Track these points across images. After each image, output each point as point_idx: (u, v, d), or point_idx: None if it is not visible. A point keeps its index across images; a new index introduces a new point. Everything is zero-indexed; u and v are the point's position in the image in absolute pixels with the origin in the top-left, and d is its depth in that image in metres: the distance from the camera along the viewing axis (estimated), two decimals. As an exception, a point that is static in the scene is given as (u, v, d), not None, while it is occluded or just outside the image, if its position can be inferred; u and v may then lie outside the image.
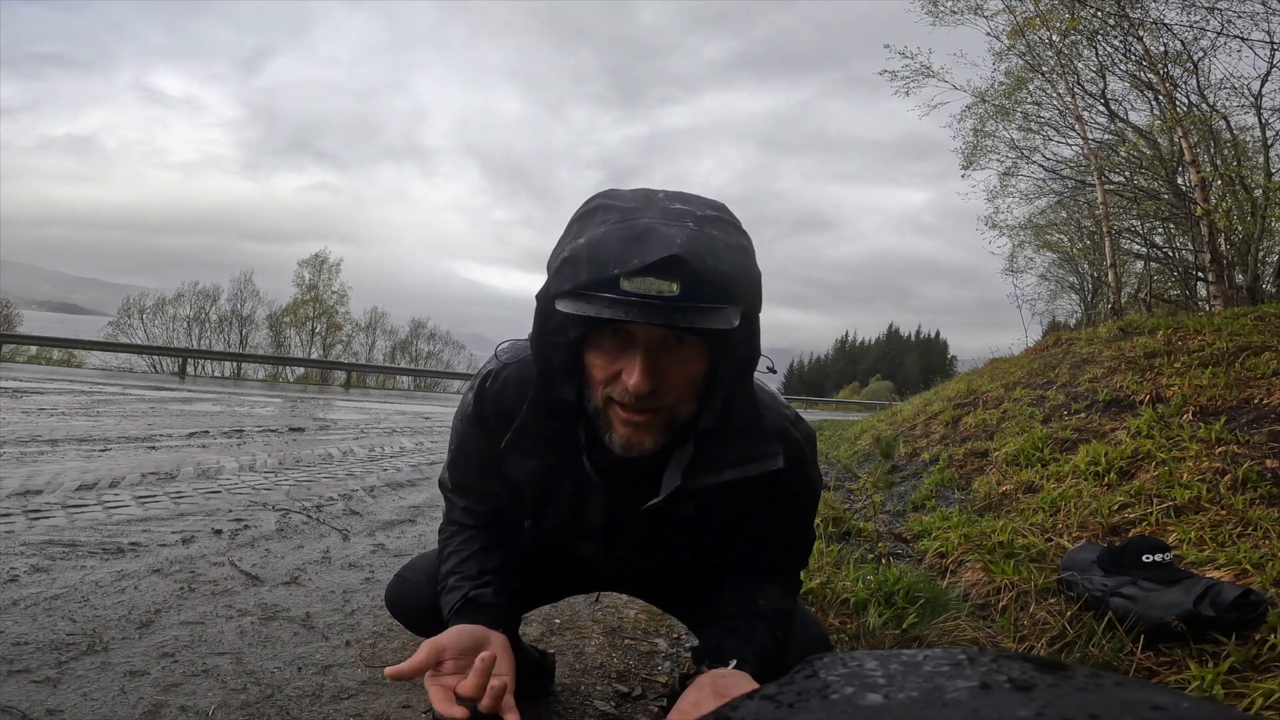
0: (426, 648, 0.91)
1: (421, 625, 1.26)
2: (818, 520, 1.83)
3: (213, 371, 24.49)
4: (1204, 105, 8.96)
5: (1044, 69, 10.41)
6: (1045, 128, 11.88)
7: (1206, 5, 8.14)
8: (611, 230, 0.81)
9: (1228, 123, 9.12)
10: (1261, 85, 8.31)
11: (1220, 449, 2.96)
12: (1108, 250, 10.43)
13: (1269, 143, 8.67)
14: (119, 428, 5.48)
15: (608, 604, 2.25)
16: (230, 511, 3.06)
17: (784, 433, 1.05)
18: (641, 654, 1.90)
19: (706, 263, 0.79)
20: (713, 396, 0.94)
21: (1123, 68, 9.65)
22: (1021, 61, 10.64)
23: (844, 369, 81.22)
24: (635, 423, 0.90)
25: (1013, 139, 12.27)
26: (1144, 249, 12.52)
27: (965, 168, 12.42)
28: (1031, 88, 11.10)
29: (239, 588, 2.11)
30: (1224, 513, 2.46)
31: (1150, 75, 9.15)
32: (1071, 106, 10.45)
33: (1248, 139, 9.42)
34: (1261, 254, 8.84)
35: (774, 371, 1.01)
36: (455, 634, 0.96)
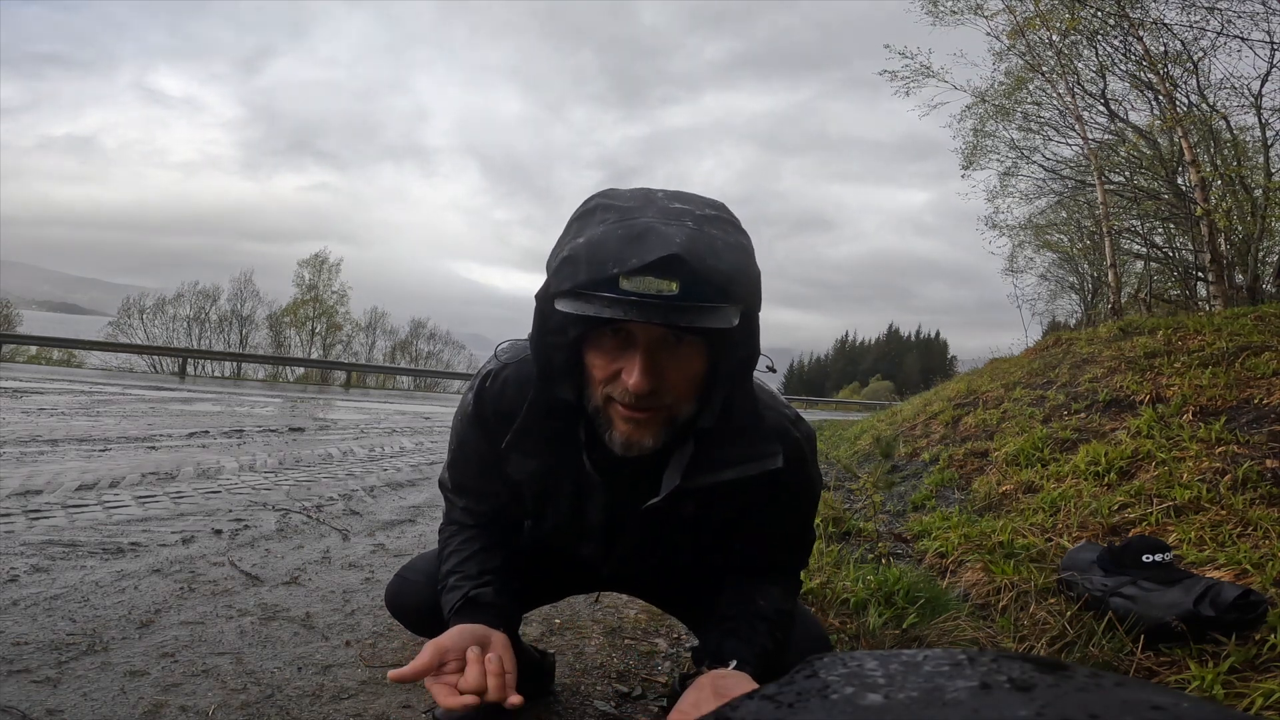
0: (429, 649, 0.91)
1: (421, 625, 1.26)
2: (818, 520, 1.83)
3: (213, 371, 24.49)
4: (1204, 105, 8.96)
5: (1044, 69, 10.41)
6: (1045, 128, 11.89)
7: (1206, 5, 8.14)
8: (611, 230, 0.81)
9: (1228, 123, 9.13)
10: (1261, 85, 8.32)
11: (1220, 449, 2.96)
12: (1108, 250, 10.43)
13: (1269, 143, 8.67)
14: (119, 428, 5.48)
15: (608, 604, 2.25)
16: (230, 511, 3.06)
17: (784, 432, 1.05)
18: (641, 654, 1.90)
19: (706, 262, 0.79)
20: (712, 396, 0.94)
21: (1123, 68, 9.66)
22: (1021, 61, 10.65)
23: (844, 369, 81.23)
24: (635, 420, 0.90)
25: (1013, 139, 12.29)
26: (1144, 249, 12.52)
27: (965, 168, 12.43)
28: (1031, 88, 11.10)
29: (239, 588, 2.11)
30: (1224, 513, 2.46)
31: (1150, 75, 9.15)
32: (1071, 106, 10.45)
33: (1248, 139, 9.43)
34: (1261, 254, 8.84)
35: (773, 370, 1.01)
36: (456, 634, 0.96)
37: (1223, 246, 9.05)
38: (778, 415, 1.06)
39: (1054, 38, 9.94)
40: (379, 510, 3.42)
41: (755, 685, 0.94)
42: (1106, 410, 4.05)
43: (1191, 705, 0.30)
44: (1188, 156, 9.03)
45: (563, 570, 1.30)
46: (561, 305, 0.82)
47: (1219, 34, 8.23)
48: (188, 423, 6.28)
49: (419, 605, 1.23)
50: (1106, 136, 10.79)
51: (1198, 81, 8.87)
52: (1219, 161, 9.49)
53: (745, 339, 0.90)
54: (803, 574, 1.27)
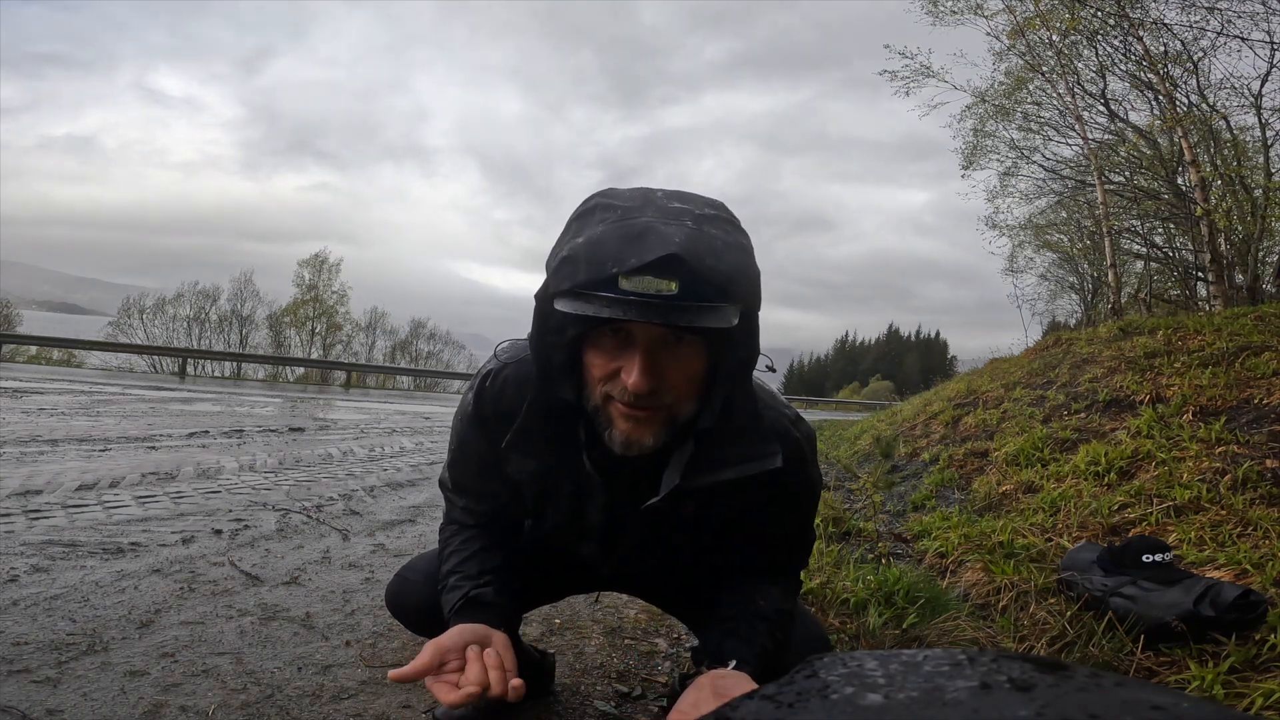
0: (429, 649, 0.91)
1: (422, 625, 1.26)
2: (818, 520, 1.83)
3: (213, 371, 24.49)
4: (1204, 105, 8.96)
5: (1044, 69, 10.41)
6: (1045, 128, 11.89)
7: (1206, 5, 8.14)
8: (610, 229, 0.81)
9: (1228, 123, 9.13)
10: (1261, 85, 8.32)
11: (1220, 449, 2.96)
12: (1108, 250, 10.43)
13: (1269, 143, 8.67)
14: (119, 428, 5.48)
15: (608, 604, 2.25)
16: (230, 511, 3.06)
17: (784, 432, 1.05)
18: (641, 654, 1.90)
19: (705, 261, 0.78)
20: (712, 395, 0.94)
21: (1123, 68, 9.66)
22: (1021, 61, 10.65)
23: (844, 369, 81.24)
24: (635, 418, 0.90)
25: (1013, 139, 12.28)
26: (1144, 249, 12.52)
27: (965, 168, 12.43)
28: (1031, 88, 11.10)
29: (239, 588, 2.11)
30: (1224, 513, 2.46)
31: (1150, 75, 9.15)
32: (1071, 106, 10.45)
33: (1248, 139, 9.43)
34: (1261, 254, 8.84)
35: (773, 370, 1.01)
36: (457, 634, 0.96)
37: (1223, 246, 9.05)
38: (777, 415, 1.06)
39: (1054, 38, 9.94)
40: (379, 510, 3.42)
41: (754, 685, 0.94)
42: (1106, 410, 4.05)
43: (1191, 705, 0.30)
44: (1188, 156, 9.03)
45: (563, 570, 1.30)
46: (561, 305, 0.82)
47: (1219, 34, 8.24)
48: (188, 423, 6.28)
49: (419, 605, 1.23)
50: (1106, 136, 10.80)
51: (1198, 81, 8.88)
52: (1219, 161, 9.49)
53: (745, 338, 0.90)
54: (803, 574, 1.27)
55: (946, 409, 5.92)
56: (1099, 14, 9.19)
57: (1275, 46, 7.92)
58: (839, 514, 3.69)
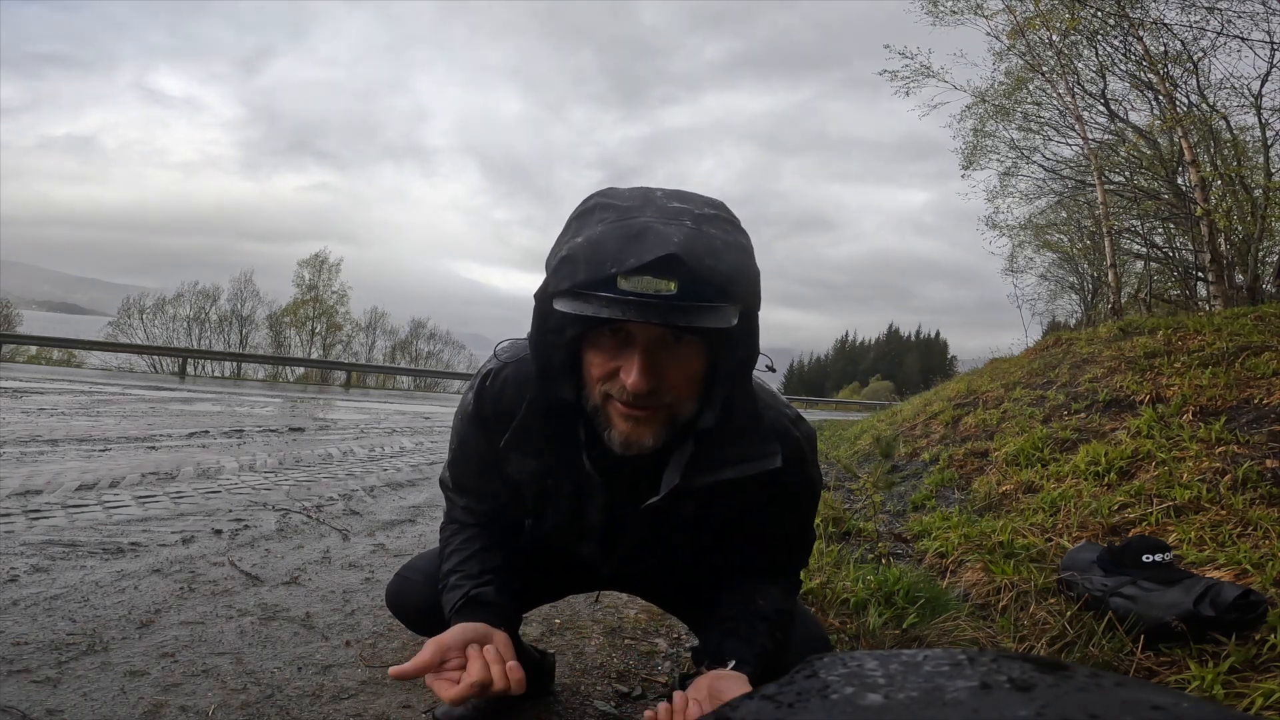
0: (430, 646, 0.91)
1: (422, 624, 1.26)
2: (818, 520, 1.83)
3: (213, 371, 24.49)
4: (1204, 105, 8.96)
5: (1044, 69, 10.41)
6: (1045, 128, 11.89)
7: (1206, 5, 8.14)
8: (609, 229, 0.81)
9: (1228, 123, 9.12)
10: (1261, 85, 8.32)
11: (1220, 449, 2.95)
12: (1108, 250, 10.43)
13: (1269, 143, 8.67)
14: (119, 428, 5.48)
15: (608, 604, 2.25)
16: (230, 511, 3.06)
17: (784, 432, 1.05)
18: (641, 654, 1.90)
19: (704, 261, 0.78)
20: (712, 395, 0.94)
21: (1123, 68, 9.66)
22: (1021, 61, 10.64)
23: (844, 369, 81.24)
24: (635, 418, 0.90)
25: (1013, 139, 12.28)
26: (1144, 249, 12.52)
27: (965, 168, 12.43)
28: (1031, 88, 11.10)
29: (239, 588, 2.11)
30: (1224, 513, 2.46)
31: (1150, 75, 9.14)
32: (1071, 106, 10.45)
33: (1248, 139, 9.43)
34: (1261, 254, 8.83)
35: (773, 370, 1.01)
36: (458, 632, 0.96)
37: (1223, 246, 9.05)
38: (777, 415, 1.06)
39: (1054, 38, 9.94)
40: (379, 510, 3.42)
41: (751, 685, 0.94)
42: (1106, 410, 4.05)
43: (1191, 705, 0.30)
44: (1188, 156, 9.03)
45: (563, 570, 1.30)
46: (560, 305, 0.82)
47: (1219, 34, 8.24)
48: (188, 423, 6.28)
49: (420, 604, 1.24)
50: (1106, 136, 10.80)
51: (1198, 81, 8.88)
52: (1219, 161, 9.49)
53: (744, 338, 0.90)
54: (803, 574, 1.27)
55: (946, 409, 5.92)
56: (1099, 14, 9.19)
57: (1275, 46, 7.92)
58: (839, 514, 3.69)
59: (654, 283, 0.78)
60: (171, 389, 11.47)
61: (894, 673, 0.36)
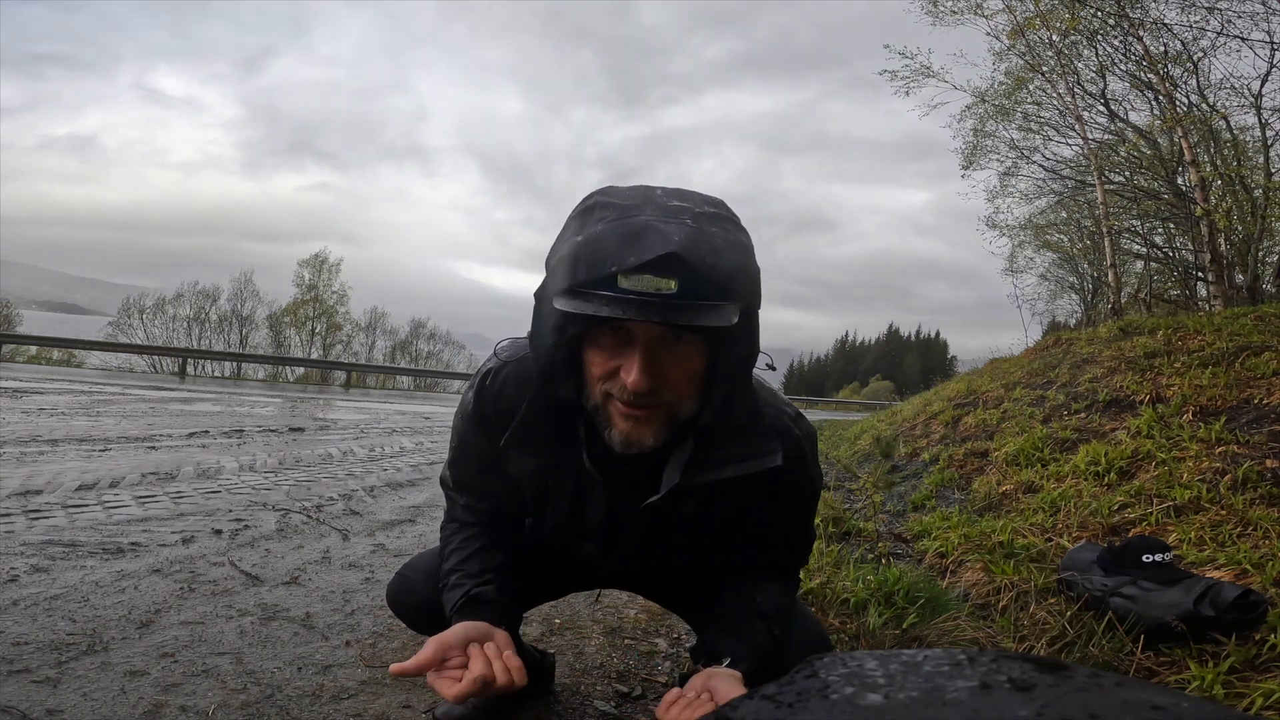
0: (432, 645, 0.91)
1: (423, 623, 1.26)
2: (818, 520, 1.83)
3: (213, 371, 24.50)
4: (1204, 105, 8.96)
5: (1044, 69, 10.41)
6: (1045, 128, 11.89)
7: (1206, 5, 8.14)
8: (609, 228, 0.81)
9: (1228, 123, 9.13)
10: (1261, 85, 8.32)
11: (1220, 449, 2.95)
12: (1108, 250, 10.43)
13: (1269, 143, 8.67)
14: (119, 428, 5.48)
15: (608, 604, 2.25)
16: (230, 511, 3.06)
17: (784, 430, 1.05)
18: (641, 654, 1.90)
19: (705, 260, 0.78)
20: (712, 394, 0.94)
21: (1123, 68, 9.66)
22: (1021, 61, 10.64)
23: (844, 369, 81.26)
24: (635, 417, 0.90)
25: (1013, 139, 12.29)
26: (1144, 249, 12.52)
27: (965, 168, 12.43)
28: (1031, 88, 11.10)
29: (239, 588, 2.11)
30: (1224, 513, 2.46)
31: (1150, 75, 9.14)
32: (1071, 106, 10.45)
33: (1248, 139, 9.43)
34: (1261, 254, 8.83)
35: (773, 369, 1.01)
36: (459, 631, 0.96)
37: (1223, 246, 9.05)
38: (778, 413, 1.06)
39: (1054, 38, 9.94)
40: (379, 510, 3.42)
41: (746, 681, 0.95)
42: (1106, 410, 4.05)
43: (1191, 705, 0.30)
44: (1188, 156, 9.03)
45: (563, 568, 1.30)
46: (560, 304, 0.82)
47: (1219, 34, 8.24)
48: (188, 423, 6.28)
49: (420, 603, 1.24)
50: (1106, 136, 10.80)
51: (1198, 81, 8.88)
52: (1219, 161, 9.49)
53: (745, 337, 0.90)
54: (803, 574, 1.27)
55: (946, 409, 5.92)
56: (1099, 14, 9.19)
57: (1275, 46, 7.92)
58: (839, 514, 3.69)
59: (654, 281, 0.78)
60: (171, 389, 11.47)
61: (894, 673, 0.36)
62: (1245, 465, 2.70)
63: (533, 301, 0.92)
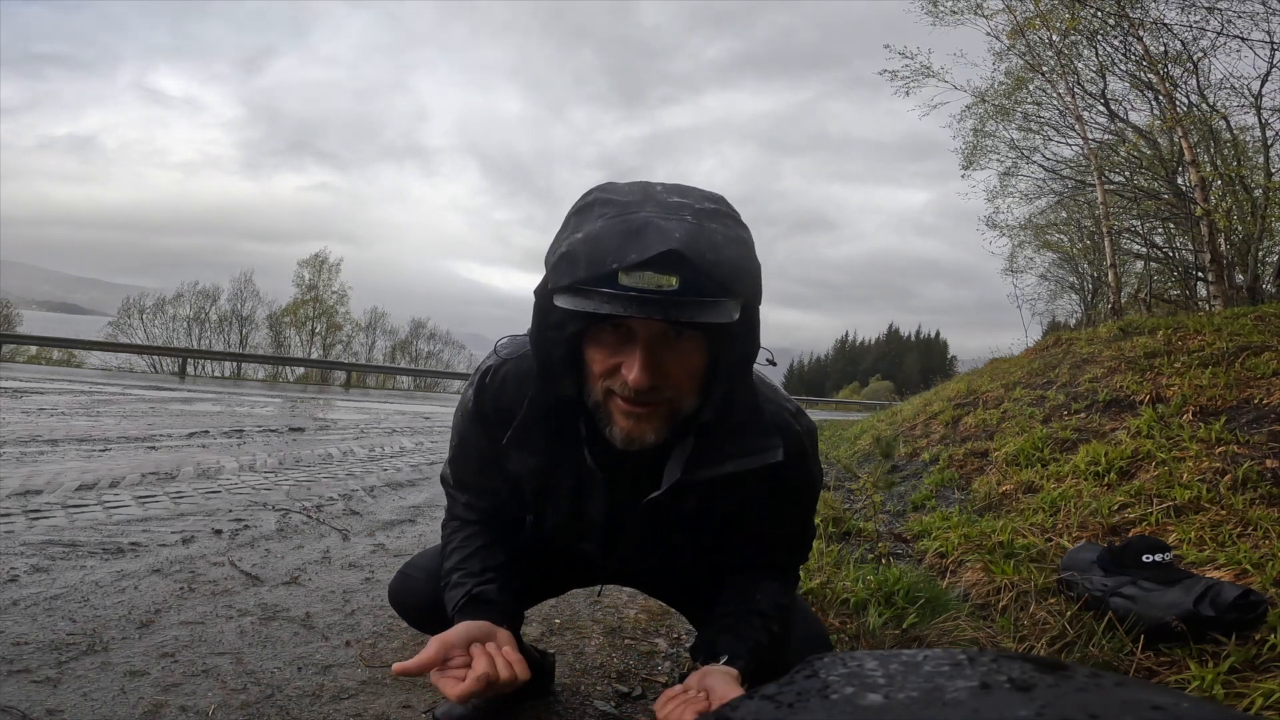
0: (435, 644, 0.91)
1: (425, 621, 1.26)
2: (818, 520, 1.83)
3: (213, 371, 24.50)
4: (1204, 105, 8.96)
5: (1044, 69, 10.41)
6: (1045, 128, 11.89)
7: (1206, 5, 8.14)
8: (609, 225, 0.80)
9: (1228, 123, 9.13)
10: (1261, 85, 8.32)
11: (1220, 449, 2.95)
12: (1108, 250, 10.43)
13: (1269, 143, 8.67)
14: (119, 428, 5.48)
15: (608, 604, 2.25)
16: (230, 511, 3.06)
17: (784, 426, 1.05)
18: (641, 654, 1.90)
19: (706, 257, 0.78)
20: (713, 390, 0.94)
21: (1123, 68, 9.66)
22: (1021, 61, 10.64)
23: (844, 369, 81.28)
24: (636, 414, 0.90)
25: (1013, 139, 12.29)
26: (1144, 249, 12.52)
27: (965, 168, 12.43)
28: (1031, 88, 11.10)
29: (239, 588, 2.11)
30: (1224, 513, 2.46)
31: (1150, 75, 9.14)
32: (1071, 106, 10.45)
33: (1248, 139, 9.43)
34: (1261, 254, 8.83)
35: (774, 364, 1.01)
36: (462, 630, 0.96)
37: (1223, 246, 9.05)
38: (778, 408, 1.06)
39: (1054, 38, 9.94)
40: (379, 510, 3.42)
41: (740, 678, 0.96)
42: (1106, 410, 4.04)
43: (1191, 705, 0.30)
44: (1188, 156, 9.03)
45: (564, 565, 1.30)
46: (560, 301, 0.82)
47: (1219, 34, 8.24)
48: (188, 423, 6.28)
49: (423, 602, 1.24)
50: (1106, 136, 10.80)
51: (1198, 81, 8.88)
52: (1219, 161, 9.49)
53: (745, 333, 0.90)
54: (803, 574, 1.27)
55: (946, 409, 5.92)
56: (1099, 14, 9.19)
57: (1275, 46, 7.92)
58: (839, 514, 3.69)
59: (655, 278, 0.77)
60: (171, 389, 11.47)
61: (894, 673, 0.36)
62: (1245, 465, 2.69)
63: (532, 299, 0.92)
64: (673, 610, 2.23)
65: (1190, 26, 8.43)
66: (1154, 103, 9.66)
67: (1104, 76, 9.99)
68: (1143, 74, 9.35)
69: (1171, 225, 11.33)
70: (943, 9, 10.60)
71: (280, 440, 5.67)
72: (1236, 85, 8.69)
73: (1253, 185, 9.04)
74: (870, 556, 2.89)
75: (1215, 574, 2.03)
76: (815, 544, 2.75)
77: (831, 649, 1.30)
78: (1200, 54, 8.66)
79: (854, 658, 0.39)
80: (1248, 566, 2.05)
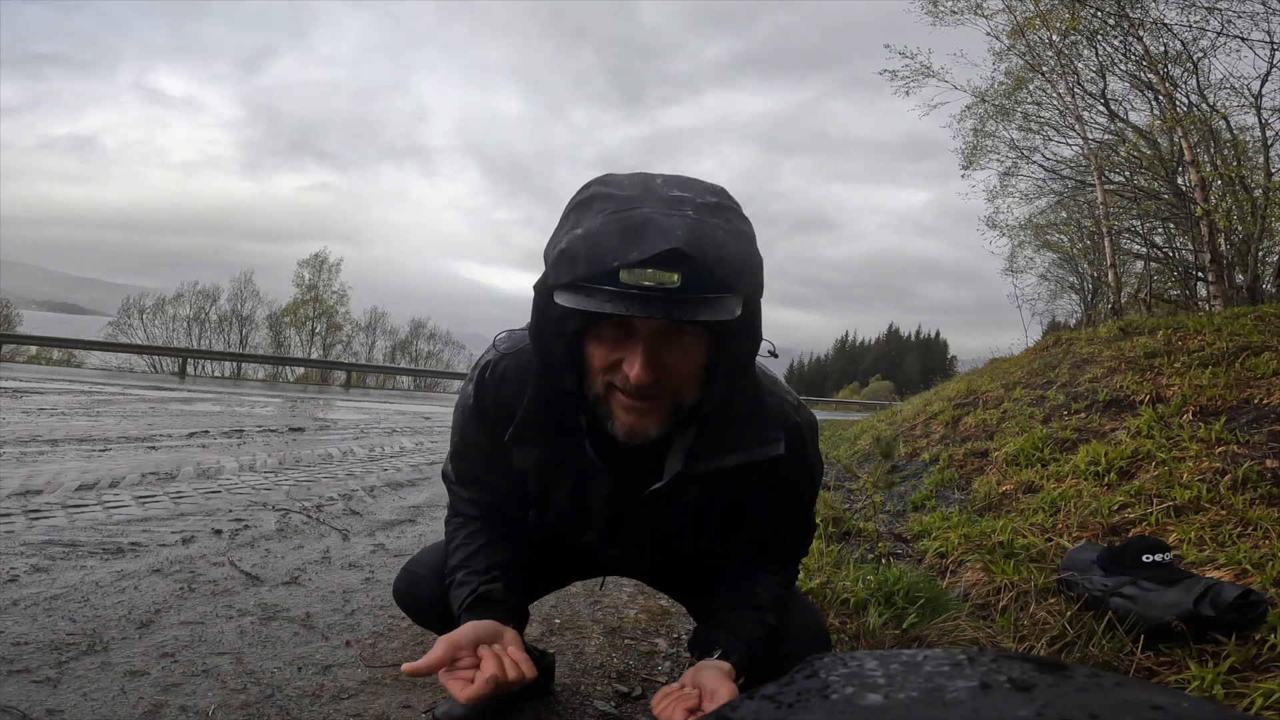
0: (443, 644, 0.91)
1: (431, 619, 1.26)
2: (818, 519, 1.83)
3: (213, 371, 24.49)
4: (1204, 105, 8.96)
5: (1044, 69, 10.41)
6: (1045, 128, 11.89)
7: (1206, 5, 8.14)
8: (609, 221, 0.79)
9: (1228, 123, 9.13)
10: (1261, 85, 8.32)
11: (1220, 449, 2.95)
12: (1108, 250, 10.43)
13: (1269, 143, 8.67)
14: (119, 428, 5.48)
15: (608, 604, 2.25)
16: (230, 511, 3.06)
17: (785, 418, 1.05)
18: (641, 654, 1.90)
19: (708, 254, 0.77)
20: (715, 384, 0.94)
21: (1123, 68, 9.66)
22: (1021, 61, 10.64)
23: (844, 369, 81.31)
24: (638, 409, 0.90)
25: (1013, 139, 12.29)
26: (1144, 249, 12.53)
27: (965, 168, 12.43)
28: (1031, 88, 11.10)
29: (239, 588, 2.11)
30: (1224, 513, 2.46)
31: (1150, 75, 9.14)
32: (1071, 106, 10.45)
33: (1248, 139, 9.43)
34: (1261, 254, 8.83)
35: (775, 355, 1.01)
36: (469, 630, 0.96)
37: (1223, 246, 9.05)
38: (779, 401, 1.06)
39: (1054, 38, 9.94)
40: (379, 510, 3.42)
41: (733, 673, 0.96)
42: (1106, 410, 4.04)
43: (1191, 705, 0.30)
44: (1188, 156, 9.03)
45: (567, 557, 1.30)
46: (561, 299, 0.82)
47: (1219, 34, 8.24)
48: (188, 423, 6.28)
49: (428, 599, 1.23)
50: (1106, 136, 10.80)
51: (1198, 81, 8.88)
52: (1219, 161, 9.49)
53: (747, 327, 0.89)
54: (803, 573, 1.28)
55: (946, 409, 5.92)
56: (1099, 14, 9.19)
57: (1275, 46, 7.92)
58: (839, 514, 3.69)
59: (657, 276, 0.77)
60: (171, 389, 11.47)
61: (894, 673, 0.36)
62: (1245, 465, 2.69)
63: (531, 295, 0.92)
64: (673, 610, 2.23)
65: (1190, 26, 8.44)
66: (1154, 103, 9.67)
67: (1104, 76, 10.00)
68: (1143, 74, 9.35)
69: (1171, 225, 11.33)
70: (943, 9, 10.61)
71: (280, 440, 5.67)
72: (1236, 85, 8.71)
73: (1253, 185, 9.04)
74: (870, 556, 2.89)
75: (1215, 574, 2.03)
76: (815, 544, 2.75)
77: (829, 639, 1.30)
78: (1200, 54, 8.67)
79: (854, 658, 0.39)
80: (1248, 566, 2.04)
